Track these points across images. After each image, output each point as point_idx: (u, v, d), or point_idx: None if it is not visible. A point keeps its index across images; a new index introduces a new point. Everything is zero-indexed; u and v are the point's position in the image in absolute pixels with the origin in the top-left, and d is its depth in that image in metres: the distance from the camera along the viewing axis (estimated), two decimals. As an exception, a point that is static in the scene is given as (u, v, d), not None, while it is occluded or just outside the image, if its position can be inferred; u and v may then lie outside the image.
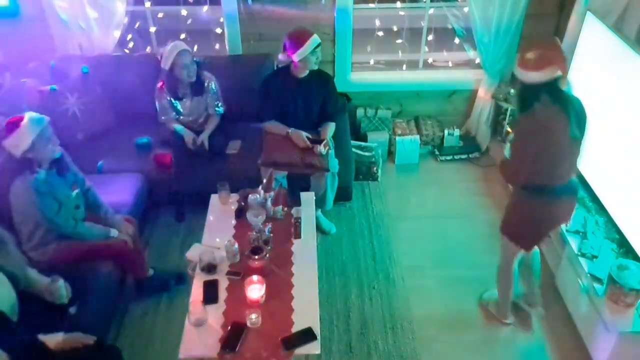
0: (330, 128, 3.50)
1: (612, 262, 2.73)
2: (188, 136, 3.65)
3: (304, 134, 3.39)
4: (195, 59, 3.60)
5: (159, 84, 3.64)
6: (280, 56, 3.33)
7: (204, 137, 3.68)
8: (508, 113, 4.30)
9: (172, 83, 3.60)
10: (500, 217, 3.71)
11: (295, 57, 3.24)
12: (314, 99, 3.46)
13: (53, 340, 2.20)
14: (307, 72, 3.37)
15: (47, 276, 2.50)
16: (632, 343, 2.59)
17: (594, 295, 2.75)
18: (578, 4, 3.56)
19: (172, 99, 3.66)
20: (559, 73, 2.27)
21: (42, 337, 2.17)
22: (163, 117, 3.71)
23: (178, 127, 3.69)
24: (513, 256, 2.83)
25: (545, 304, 3.20)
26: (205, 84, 3.71)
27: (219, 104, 3.79)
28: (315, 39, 3.24)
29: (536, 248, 2.93)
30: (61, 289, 2.47)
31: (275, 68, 4.04)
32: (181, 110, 3.71)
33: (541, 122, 2.34)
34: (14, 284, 2.29)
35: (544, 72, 2.26)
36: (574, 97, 2.42)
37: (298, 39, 3.23)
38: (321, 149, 3.34)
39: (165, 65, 3.51)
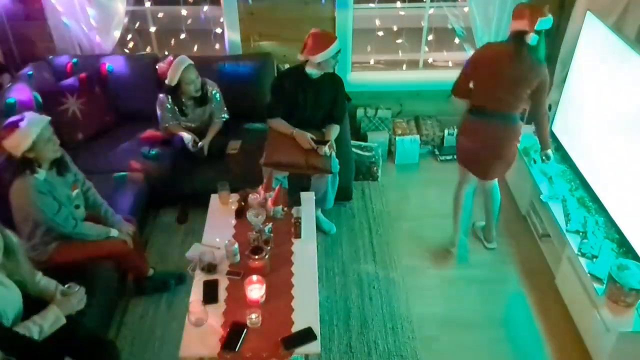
0: (335, 130, 3.49)
1: (612, 262, 2.73)
2: (189, 138, 3.65)
3: (309, 135, 3.39)
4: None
5: (161, 95, 3.64)
6: (299, 56, 3.32)
7: (204, 143, 3.68)
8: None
9: (176, 97, 3.60)
10: (500, 217, 3.76)
11: (317, 59, 3.23)
12: (323, 100, 3.46)
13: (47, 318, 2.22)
14: (322, 73, 3.37)
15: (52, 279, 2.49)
16: (632, 343, 2.59)
17: (594, 295, 2.75)
18: (578, 4, 3.57)
19: (175, 108, 3.65)
20: (526, 28, 2.81)
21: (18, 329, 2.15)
22: (165, 125, 3.70)
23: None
24: (461, 179, 3.38)
25: (546, 304, 3.21)
26: (209, 93, 3.70)
27: (224, 112, 3.79)
28: (338, 43, 3.25)
29: (494, 182, 3.36)
30: (80, 295, 2.40)
31: (276, 69, 4.05)
32: (183, 118, 3.71)
33: (492, 51, 3.03)
34: (22, 291, 2.29)
35: (516, 22, 2.88)
36: (536, 48, 2.87)
37: (322, 41, 3.22)
38: (326, 150, 3.33)
39: (172, 81, 3.51)
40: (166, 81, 3.56)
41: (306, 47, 3.26)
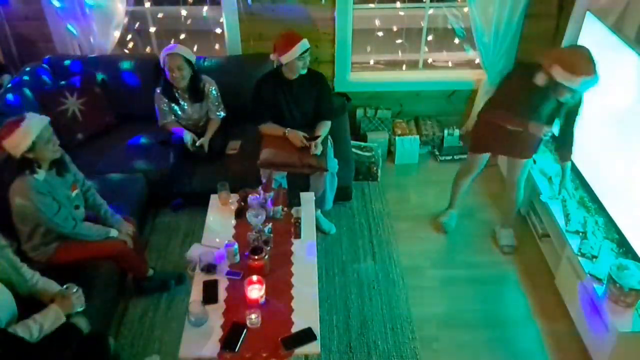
0: (325, 127, 3.49)
1: (612, 262, 2.73)
2: (188, 137, 3.65)
3: (301, 133, 3.39)
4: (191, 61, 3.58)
5: (157, 91, 3.64)
6: (272, 56, 3.33)
7: (204, 141, 3.68)
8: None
9: (168, 87, 3.61)
10: (499, 217, 3.77)
11: (282, 60, 3.23)
12: (306, 100, 3.45)
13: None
14: (298, 74, 3.36)
15: (51, 279, 2.48)
16: (632, 343, 2.59)
17: (594, 295, 2.75)
18: (578, 4, 3.57)
19: (171, 104, 3.66)
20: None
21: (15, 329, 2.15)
22: (163, 122, 3.71)
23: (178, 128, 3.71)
24: (471, 168, 3.49)
25: (545, 304, 3.22)
26: (205, 90, 3.70)
27: (220, 109, 3.79)
28: (303, 44, 3.21)
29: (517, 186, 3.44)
30: (78, 295, 2.40)
31: (274, 67, 4.05)
32: (180, 114, 3.72)
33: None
34: (13, 291, 2.29)
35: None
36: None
37: (286, 42, 3.21)
38: (312, 148, 3.33)
39: (161, 60, 3.53)
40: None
41: (275, 48, 3.25)
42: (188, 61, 3.54)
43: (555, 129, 3.18)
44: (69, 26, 3.96)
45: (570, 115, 3.05)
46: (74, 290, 2.38)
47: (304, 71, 3.36)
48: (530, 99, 2.94)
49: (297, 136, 3.37)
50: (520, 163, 3.33)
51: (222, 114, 3.81)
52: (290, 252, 2.83)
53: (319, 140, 3.37)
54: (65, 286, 2.41)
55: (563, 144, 3.18)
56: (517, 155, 3.30)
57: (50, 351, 2.20)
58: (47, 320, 2.22)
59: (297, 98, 3.42)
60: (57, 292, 2.40)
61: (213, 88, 3.73)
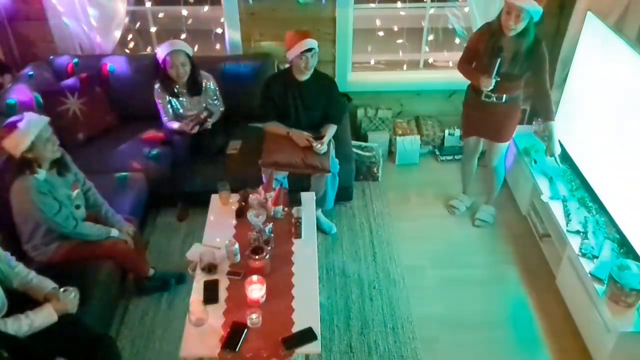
0: (331, 129, 3.50)
1: (613, 262, 2.73)
2: (184, 125, 3.66)
3: (305, 133, 3.39)
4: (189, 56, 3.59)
5: (156, 86, 3.65)
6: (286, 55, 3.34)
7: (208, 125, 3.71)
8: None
9: (168, 82, 3.61)
10: (499, 217, 3.78)
11: (288, 57, 3.26)
12: (315, 103, 3.45)
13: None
14: (308, 75, 3.35)
15: (51, 278, 2.49)
16: (633, 343, 2.59)
17: (595, 296, 2.75)
18: (578, 4, 3.57)
19: (170, 98, 3.67)
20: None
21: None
22: (165, 117, 3.71)
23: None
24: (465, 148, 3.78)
25: (546, 304, 3.22)
26: (203, 84, 3.71)
27: (217, 100, 3.80)
28: (307, 42, 3.19)
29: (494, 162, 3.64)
30: (72, 299, 2.42)
31: (276, 69, 4.05)
32: (180, 110, 3.72)
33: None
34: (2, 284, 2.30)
35: None
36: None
37: (293, 38, 3.23)
38: (319, 146, 3.33)
39: (159, 56, 3.54)
40: (157, 54, 3.57)
41: (285, 45, 3.28)
42: (188, 55, 3.56)
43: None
44: (70, 26, 3.97)
45: (536, 71, 3.15)
46: (72, 295, 2.40)
47: (309, 73, 3.35)
48: (487, 46, 3.18)
49: (301, 136, 3.38)
50: (498, 147, 3.54)
51: (222, 107, 3.82)
52: (290, 252, 2.83)
53: (325, 139, 3.38)
54: (63, 289, 2.42)
55: (540, 104, 3.28)
56: (497, 138, 3.49)
57: (42, 344, 2.21)
58: (38, 318, 2.24)
59: (305, 100, 3.42)
60: (50, 291, 2.41)
61: (211, 83, 3.75)
